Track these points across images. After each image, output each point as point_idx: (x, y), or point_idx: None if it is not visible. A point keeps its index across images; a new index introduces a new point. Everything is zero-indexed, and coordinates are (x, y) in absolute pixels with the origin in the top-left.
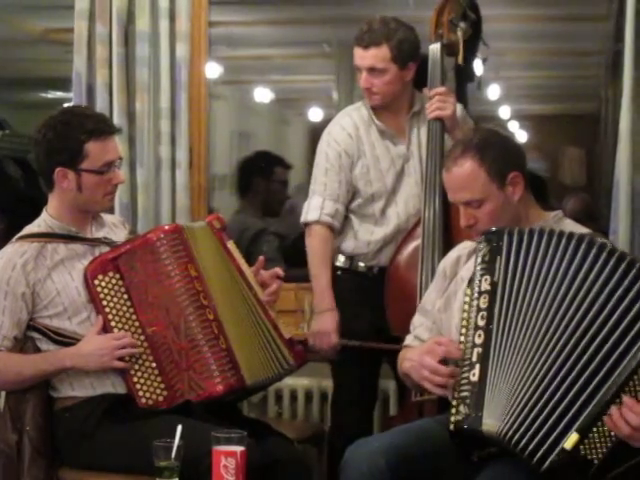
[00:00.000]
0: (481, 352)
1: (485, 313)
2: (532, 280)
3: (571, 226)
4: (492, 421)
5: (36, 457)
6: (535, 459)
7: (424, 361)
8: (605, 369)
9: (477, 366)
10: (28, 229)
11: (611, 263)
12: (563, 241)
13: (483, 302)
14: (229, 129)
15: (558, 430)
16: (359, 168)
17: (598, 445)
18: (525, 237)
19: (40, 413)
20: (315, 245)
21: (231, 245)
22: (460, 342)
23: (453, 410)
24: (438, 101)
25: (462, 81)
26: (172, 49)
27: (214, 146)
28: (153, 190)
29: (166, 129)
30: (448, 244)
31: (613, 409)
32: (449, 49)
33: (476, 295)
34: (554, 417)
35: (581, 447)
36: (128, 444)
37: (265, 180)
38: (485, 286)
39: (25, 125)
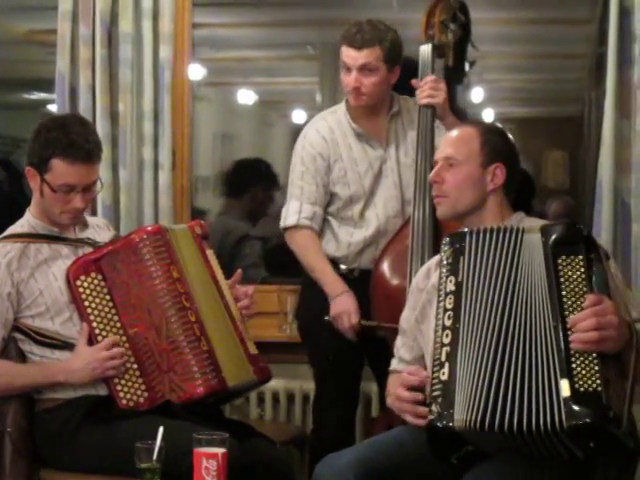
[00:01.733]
0: (449, 351)
1: (452, 313)
2: (493, 276)
3: (532, 222)
4: (461, 415)
5: (17, 458)
6: (507, 429)
7: (399, 394)
8: (524, 317)
9: (446, 365)
10: (12, 229)
11: (512, 239)
12: (507, 235)
13: (449, 302)
14: (212, 131)
15: (513, 397)
16: (336, 171)
17: (588, 374)
18: (487, 236)
19: (22, 414)
20: (304, 242)
21: (210, 254)
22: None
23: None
24: (429, 88)
25: (451, 83)
26: (155, 51)
27: (197, 148)
28: (136, 191)
29: (149, 131)
30: (437, 246)
31: (572, 336)
32: (440, 50)
33: (442, 296)
34: (503, 387)
35: (576, 386)
36: (109, 445)
37: (257, 185)
38: (450, 287)
39: (8, 126)
